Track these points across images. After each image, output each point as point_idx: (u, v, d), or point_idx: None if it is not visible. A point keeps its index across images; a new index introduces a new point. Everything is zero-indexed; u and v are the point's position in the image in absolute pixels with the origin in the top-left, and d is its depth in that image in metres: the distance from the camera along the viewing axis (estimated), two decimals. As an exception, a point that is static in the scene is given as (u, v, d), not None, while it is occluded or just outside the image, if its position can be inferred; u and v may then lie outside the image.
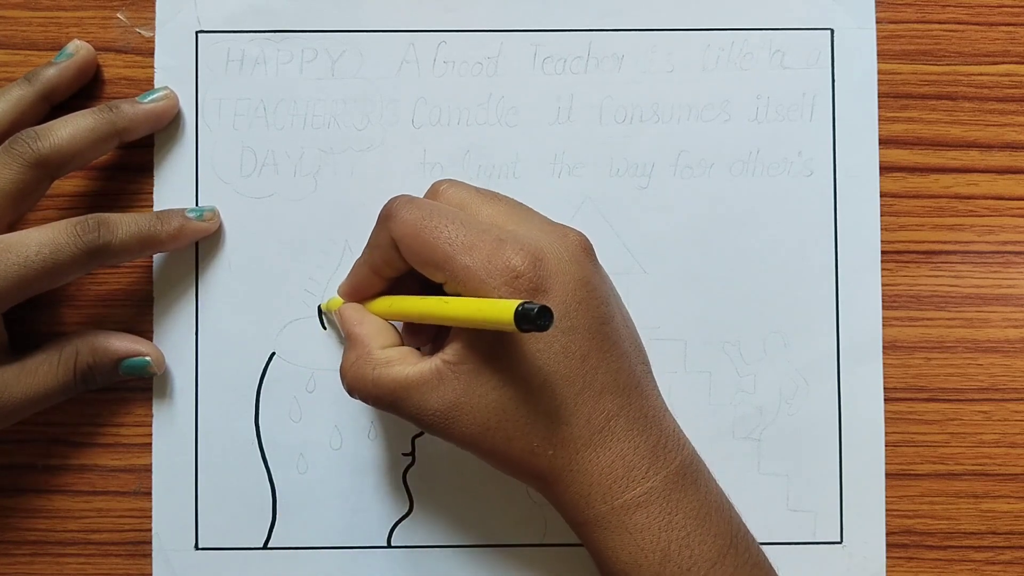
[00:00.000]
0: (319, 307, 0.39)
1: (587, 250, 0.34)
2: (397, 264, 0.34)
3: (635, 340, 0.35)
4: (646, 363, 0.35)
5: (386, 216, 0.34)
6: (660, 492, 0.32)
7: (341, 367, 0.35)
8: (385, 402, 0.34)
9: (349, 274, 0.37)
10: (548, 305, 0.28)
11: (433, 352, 0.34)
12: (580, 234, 0.34)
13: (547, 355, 0.32)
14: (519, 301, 0.29)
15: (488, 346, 0.32)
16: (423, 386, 0.32)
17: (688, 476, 0.33)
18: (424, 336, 0.36)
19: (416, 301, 0.34)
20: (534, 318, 0.28)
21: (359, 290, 0.37)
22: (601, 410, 0.32)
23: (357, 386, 0.34)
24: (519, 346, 0.32)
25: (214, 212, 0.39)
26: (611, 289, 0.34)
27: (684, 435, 0.34)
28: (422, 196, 0.35)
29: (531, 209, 0.35)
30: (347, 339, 0.36)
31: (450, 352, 0.32)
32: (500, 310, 0.29)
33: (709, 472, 0.34)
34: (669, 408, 0.36)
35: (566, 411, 0.32)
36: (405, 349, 0.35)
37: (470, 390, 0.32)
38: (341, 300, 0.38)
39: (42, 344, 0.38)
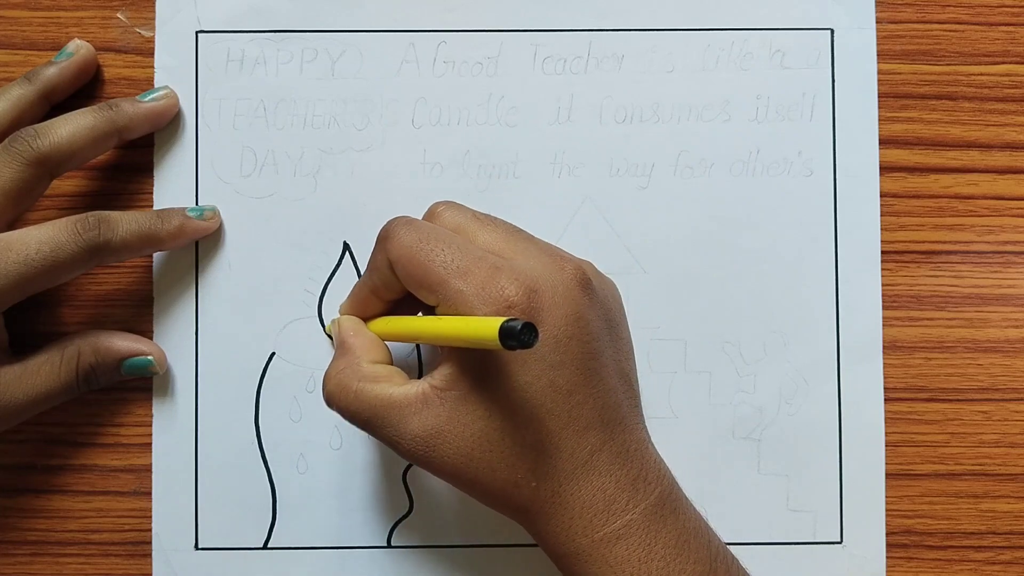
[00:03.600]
0: (324, 328, 0.40)
1: (583, 283, 0.33)
2: (395, 286, 0.34)
3: (624, 373, 0.34)
4: (633, 396, 0.34)
5: (384, 237, 0.34)
6: (639, 524, 0.32)
7: (325, 374, 0.35)
8: (363, 418, 0.33)
9: (350, 293, 0.37)
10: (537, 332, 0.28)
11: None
12: (577, 266, 0.33)
13: (534, 388, 0.31)
14: (504, 318, 0.28)
15: (476, 375, 0.32)
16: (406, 408, 0.32)
17: (667, 506, 0.33)
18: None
19: (408, 321, 0.34)
20: (518, 334, 0.28)
21: (359, 310, 0.37)
22: (585, 444, 0.32)
23: (338, 395, 0.34)
24: (507, 377, 0.31)
25: (214, 211, 0.39)
26: (604, 321, 0.34)
27: (665, 466, 0.34)
28: (420, 213, 0.35)
29: (530, 236, 0.35)
30: (337, 348, 0.36)
31: (438, 377, 0.32)
32: (485, 327, 0.29)
33: (687, 499, 0.34)
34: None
35: (551, 444, 0.32)
36: (393, 368, 0.35)
37: (455, 417, 0.32)
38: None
39: (43, 344, 0.38)
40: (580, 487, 0.32)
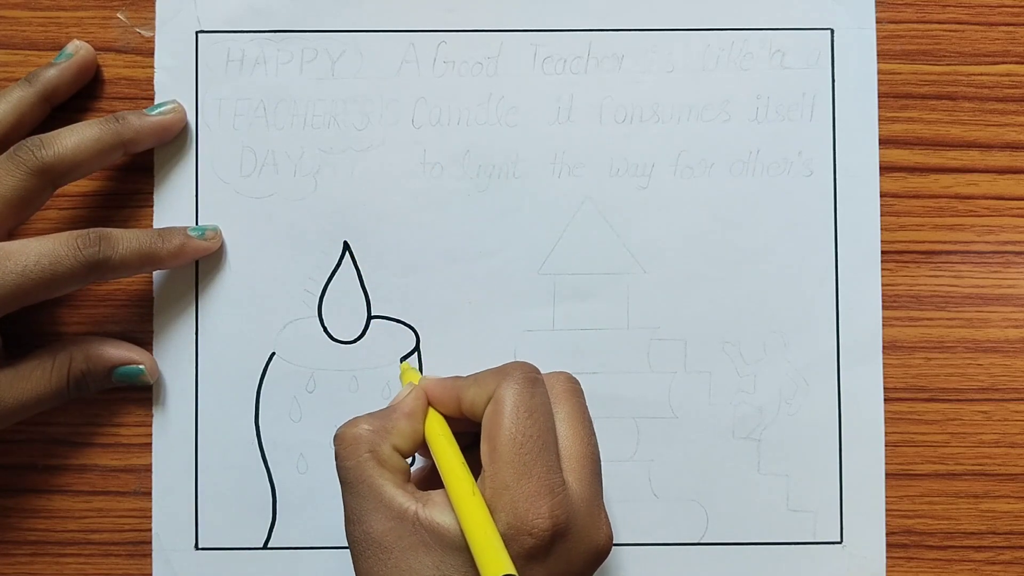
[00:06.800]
0: (400, 369, 0.39)
1: (605, 553, 0.33)
2: (470, 420, 0.34)
3: None
4: None
5: (505, 375, 0.33)
6: None
7: (353, 420, 0.34)
8: (344, 479, 0.33)
9: (443, 381, 0.35)
10: None
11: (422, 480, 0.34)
12: (610, 536, 0.33)
13: None
14: (509, 572, 0.29)
15: None
16: (386, 513, 0.32)
17: None
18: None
19: (451, 461, 0.33)
20: None
21: (436, 398, 0.35)
22: None
23: (344, 447, 0.33)
24: None
25: (216, 231, 0.39)
26: None
27: None
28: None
29: (598, 479, 0.34)
30: (386, 409, 0.35)
31: (429, 516, 0.31)
32: (487, 557, 0.29)
33: None
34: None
35: None
36: (405, 466, 0.34)
37: (408, 555, 0.31)
38: (417, 377, 0.37)
39: (41, 344, 0.38)
40: None
